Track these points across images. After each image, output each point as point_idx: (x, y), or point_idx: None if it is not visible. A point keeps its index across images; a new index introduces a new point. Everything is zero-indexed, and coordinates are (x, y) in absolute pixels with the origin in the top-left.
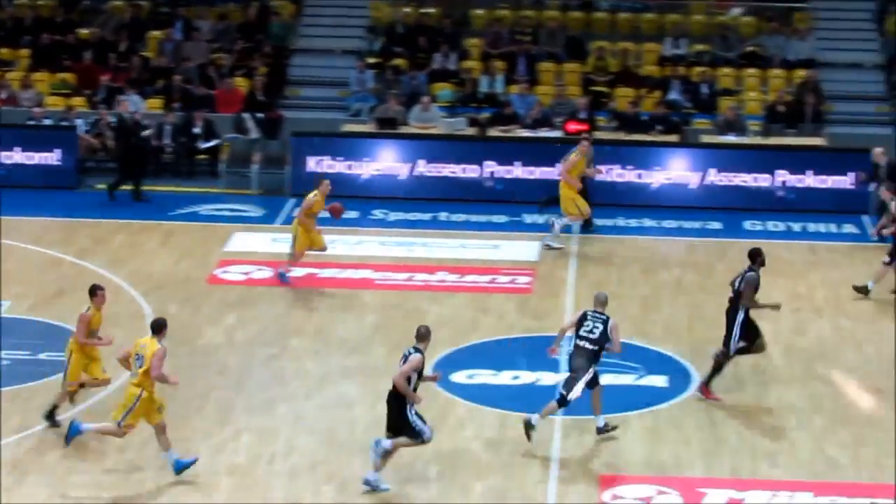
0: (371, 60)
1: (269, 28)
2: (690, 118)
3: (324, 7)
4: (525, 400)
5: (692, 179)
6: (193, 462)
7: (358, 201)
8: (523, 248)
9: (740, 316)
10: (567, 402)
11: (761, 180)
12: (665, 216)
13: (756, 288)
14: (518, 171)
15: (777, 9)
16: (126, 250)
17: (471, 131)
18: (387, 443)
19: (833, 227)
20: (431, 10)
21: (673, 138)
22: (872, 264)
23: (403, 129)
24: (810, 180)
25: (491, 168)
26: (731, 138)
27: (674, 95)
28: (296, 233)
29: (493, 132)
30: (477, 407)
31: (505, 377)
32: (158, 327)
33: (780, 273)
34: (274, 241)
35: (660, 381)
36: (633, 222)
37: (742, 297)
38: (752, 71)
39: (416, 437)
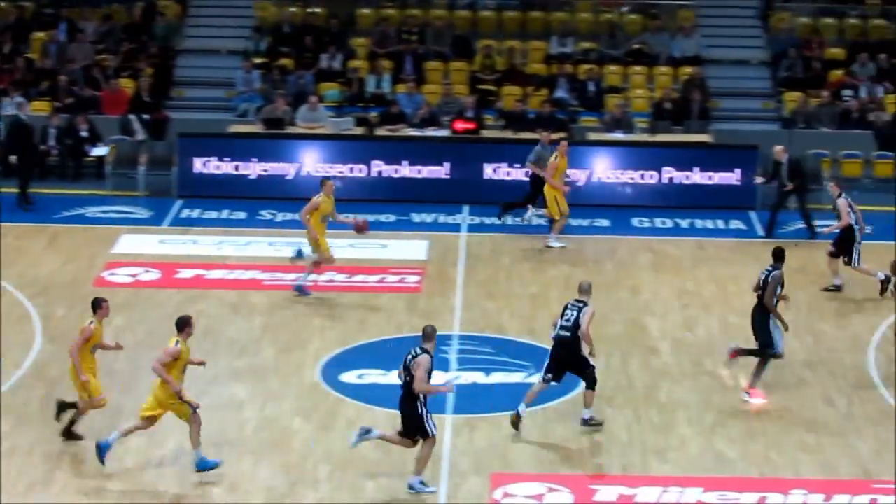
0: (257, 60)
1: (154, 29)
2: (577, 116)
3: (209, 7)
4: None
5: (580, 177)
6: (215, 464)
7: (246, 202)
8: (412, 247)
9: (771, 316)
10: (594, 384)
11: (648, 177)
12: None
13: (778, 285)
14: (406, 170)
15: (662, 6)
16: (12, 253)
17: (358, 131)
18: (377, 432)
19: (720, 223)
20: (317, 10)
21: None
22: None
23: (290, 130)
24: (697, 177)
25: (378, 167)
26: (618, 135)
27: (561, 93)
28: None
29: (381, 131)
30: (367, 407)
31: (394, 377)
32: (180, 325)
33: (668, 269)
34: (161, 243)
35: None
36: (521, 220)
37: (765, 294)
38: (638, 68)
39: (427, 434)
